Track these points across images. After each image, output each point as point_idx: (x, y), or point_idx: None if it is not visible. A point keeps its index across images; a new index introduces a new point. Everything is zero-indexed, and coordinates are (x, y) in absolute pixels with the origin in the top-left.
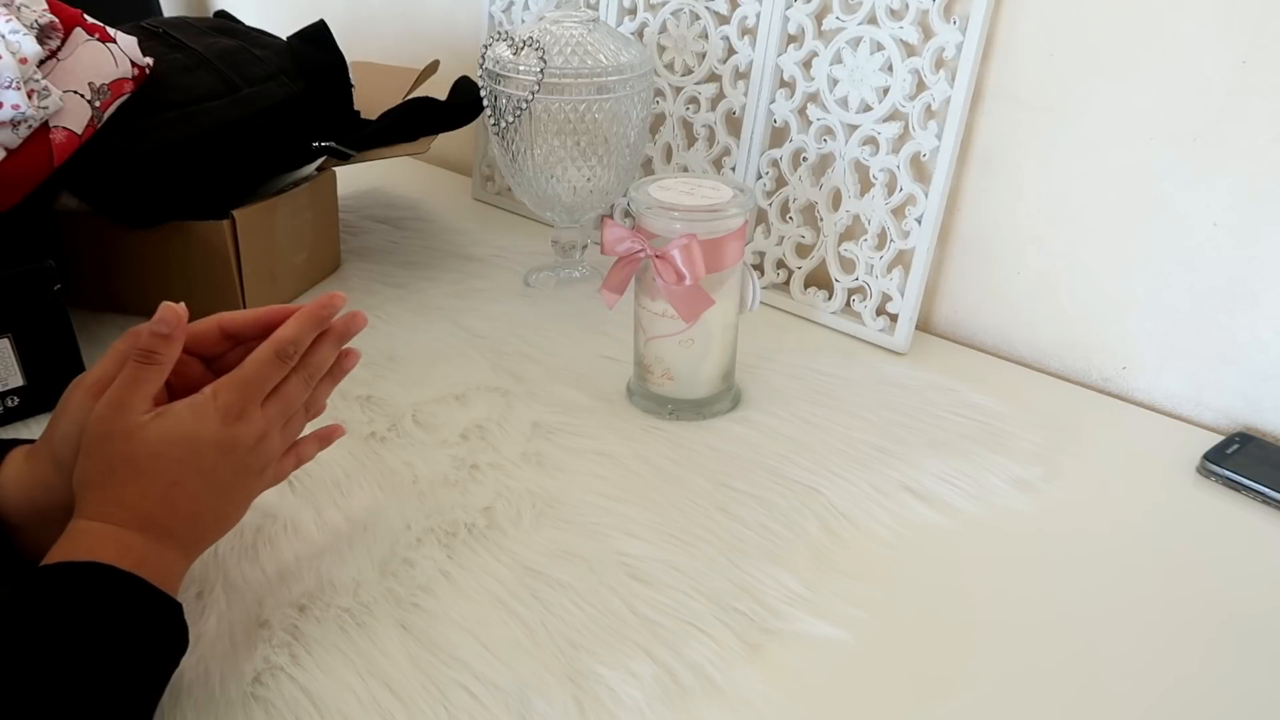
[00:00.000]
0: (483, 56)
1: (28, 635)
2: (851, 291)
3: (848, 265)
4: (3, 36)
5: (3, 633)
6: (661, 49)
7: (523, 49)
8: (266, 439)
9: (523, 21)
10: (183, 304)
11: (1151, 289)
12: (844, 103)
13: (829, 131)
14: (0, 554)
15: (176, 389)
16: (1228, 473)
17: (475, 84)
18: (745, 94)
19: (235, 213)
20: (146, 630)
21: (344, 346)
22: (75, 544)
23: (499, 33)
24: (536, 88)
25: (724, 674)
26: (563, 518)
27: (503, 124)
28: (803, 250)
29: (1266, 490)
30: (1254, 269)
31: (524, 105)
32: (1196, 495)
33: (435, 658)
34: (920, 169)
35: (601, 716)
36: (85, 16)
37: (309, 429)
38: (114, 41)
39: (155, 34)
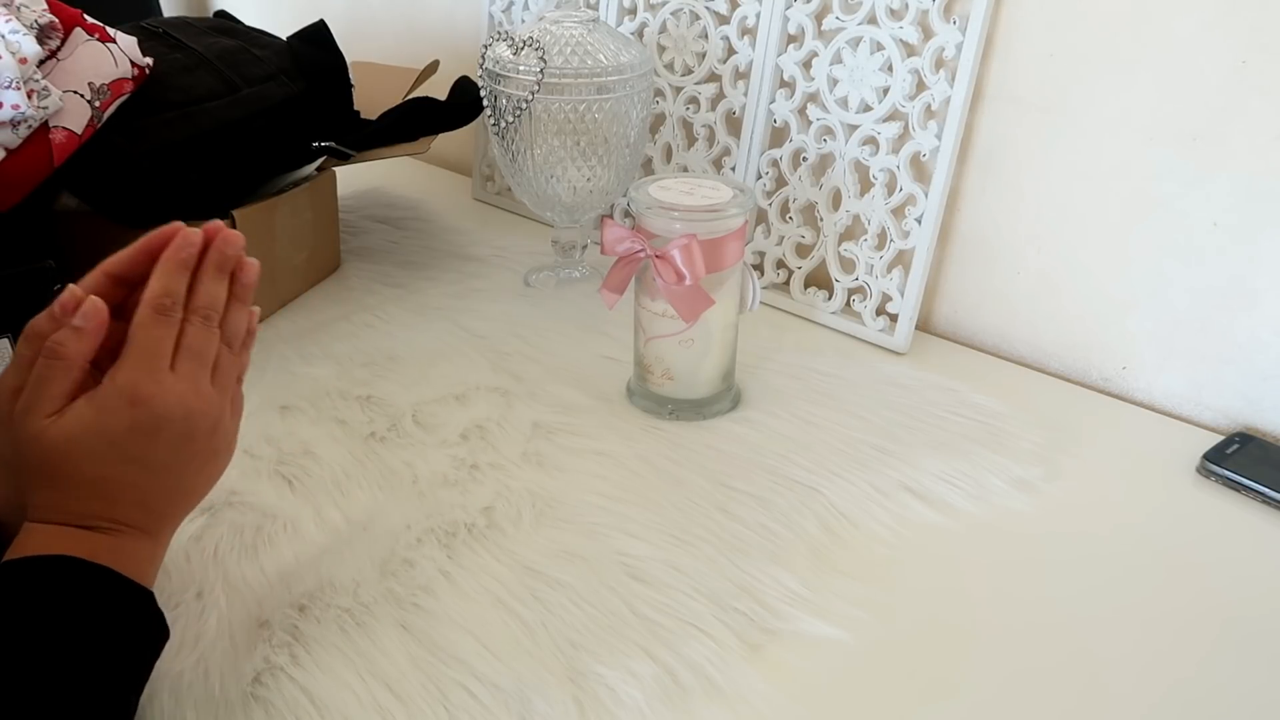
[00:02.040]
0: (483, 56)
1: None
2: (851, 291)
3: (848, 265)
4: (3, 36)
5: None
6: (661, 49)
7: (523, 49)
8: (197, 399)
9: (523, 21)
10: (97, 298)
11: (1151, 289)
12: (844, 103)
13: (829, 131)
14: None
15: (97, 359)
16: (1228, 473)
17: (475, 84)
18: (745, 94)
19: (235, 213)
20: (113, 619)
21: (239, 263)
22: (25, 545)
23: (499, 33)
24: (536, 88)
25: (724, 674)
26: (563, 518)
27: (503, 124)
28: (803, 250)
29: (1266, 490)
30: (1254, 269)
31: (524, 105)
32: (1196, 495)
33: (435, 658)
34: (920, 169)
35: (601, 716)
36: (85, 16)
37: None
38: (114, 41)
39: (155, 34)
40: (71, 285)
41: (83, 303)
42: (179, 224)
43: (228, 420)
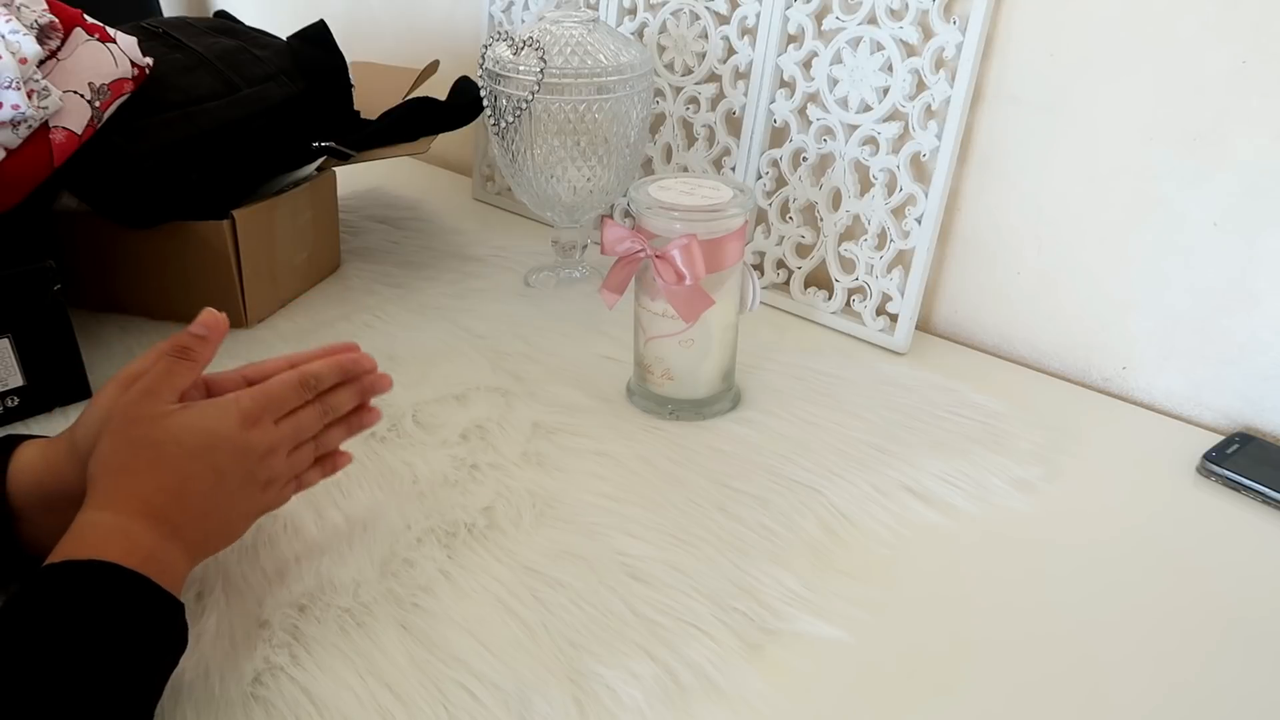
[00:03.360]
0: (483, 56)
1: (33, 634)
2: (851, 291)
3: (848, 265)
4: (3, 36)
5: (8, 631)
6: (661, 49)
7: (523, 49)
8: (274, 454)
9: (523, 21)
10: (224, 315)
11: (1151, 289)
12: (844, 103)
13: (829, 131)
14: (2, 548)
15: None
16: (1228, 473)
17: (475, 84)
18: (745, 94)
19: (235, 213)
20: (149, 630)
21: (369, 404)
22: (82, 538)
23: (499, 33)
24: (536, 88)
25: (724, 674)
26: (563, 518)
27: (503, 124)
28: (803, 250)
29: (1266, 490)
30: (1254, 269)
31: (524, 105)
32: (1196, 495)
33: (435, 658)
34: (920, 169)
35: (601, 716)
36: (85, 16)
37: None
38: (114, 41)
39: (155, 34)
40: (209, 308)
41: (204, 311)
42: (357, 344)
43: (274, 490)
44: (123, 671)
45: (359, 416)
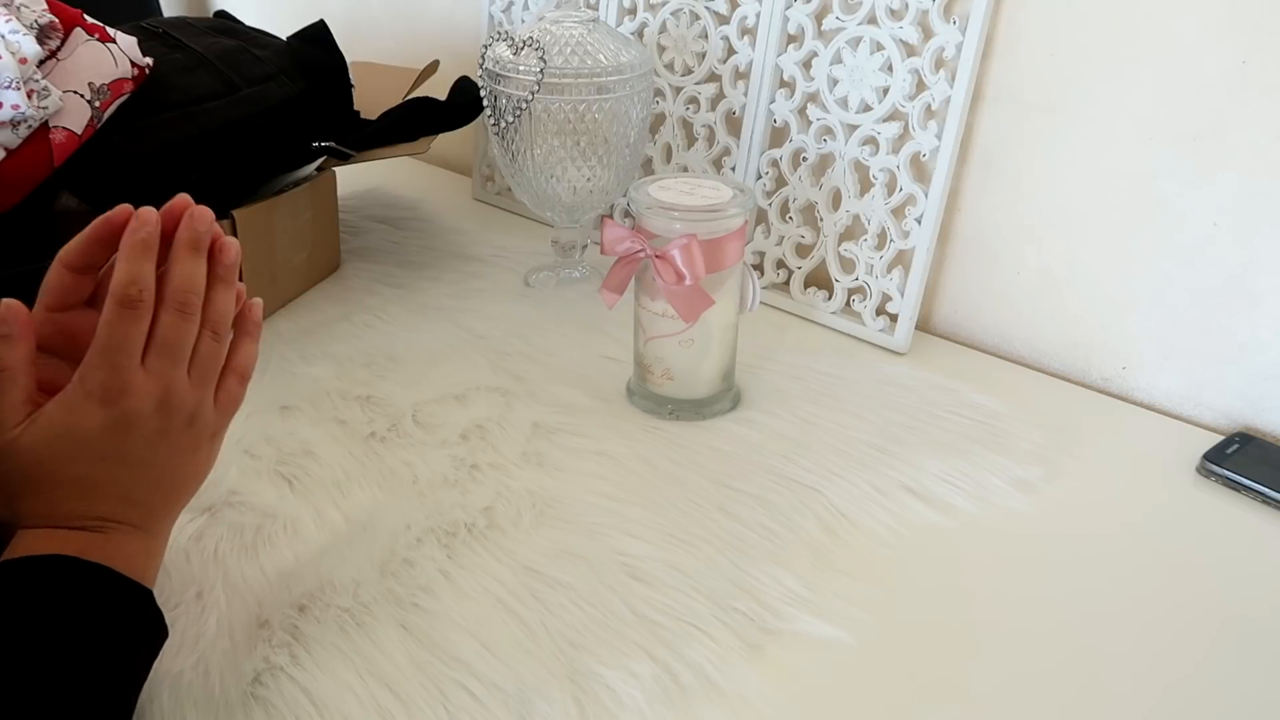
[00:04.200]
0: (483, 56)
1: None
2: (851, 291)
3: (848, 265)
4: (3, 36)
5: None
6: (661, 49)
7: (523, 49)
8: (170, 393)
9: (523, 21)
10: (11, 300)
11: (1151, 289)
12: (844, 103)
13: (829, 131)
14: None
15: (77, 354)
16: (1228, 473)
17: (475, 84)
18: (745, 94)
19: (235, 213)
20: (110, 617)
21: (219, 241)
22: (15, 550)
23: (499, 33)
24: (536, 88)
25: (724, 674)
26: (563, 518)
27: (503, 124)
28: (803, 250)
29: (1266, 490)
30: (1254, 269)
31: (524, 105)
32: (1196, 495)
33: (435, 658)
34: (920, 169)
35: (601, 716)
36: (85, 16)
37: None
38: (114, 41)
39: (155, 34)
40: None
41: (16, 310)
42: (127, 205)
43: (208, 411)
44: (84, 660)
45: (217, 259)
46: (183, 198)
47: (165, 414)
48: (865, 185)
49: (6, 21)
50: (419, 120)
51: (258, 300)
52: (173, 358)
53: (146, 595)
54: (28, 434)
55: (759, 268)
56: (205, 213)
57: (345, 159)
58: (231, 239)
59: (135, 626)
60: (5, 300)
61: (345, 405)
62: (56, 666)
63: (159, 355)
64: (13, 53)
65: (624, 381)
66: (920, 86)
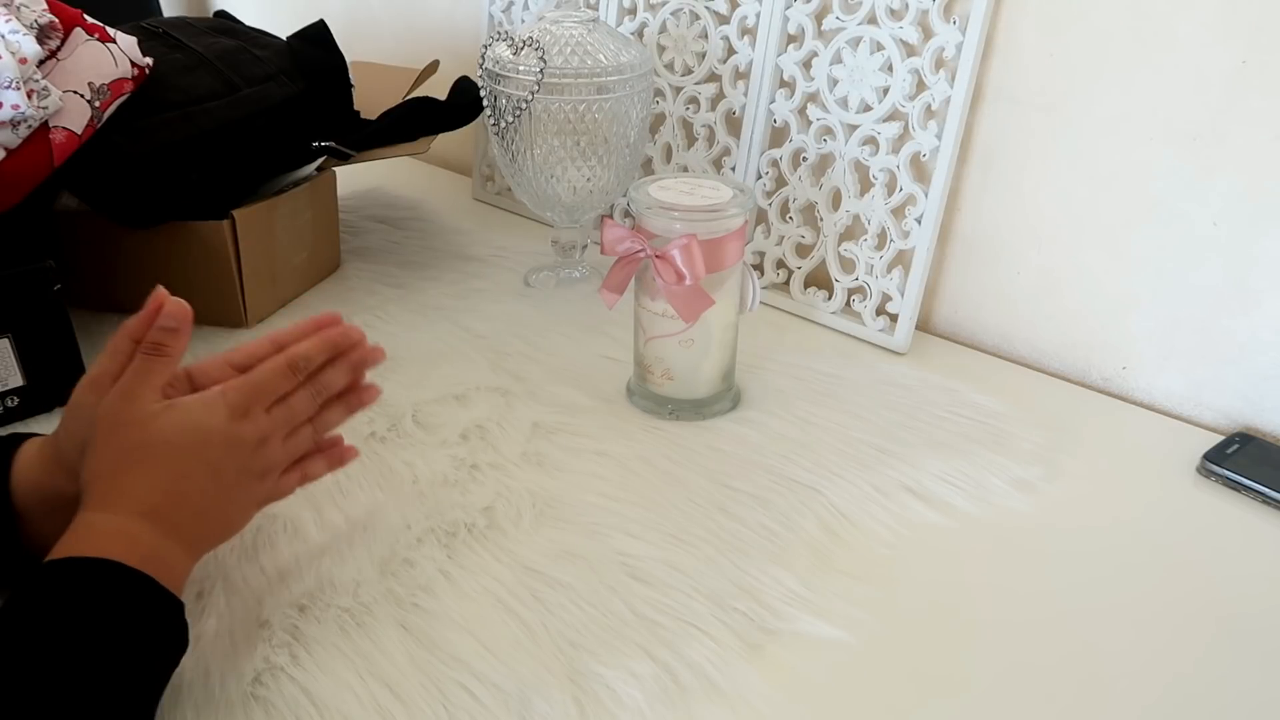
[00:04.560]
0: (483, 56)
1: (35, 632)
2: (851, 291)
3: (848, 265)
4: (3, 36)
5: (9, 628)
6: (661, 49)
7: (523, 49)
8: (268, 443)
9: (523, 21)
10: (181, 300)
11: (1151, 289)
12: (844, 103)
13: (829, 131)
14: (4, 547)
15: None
16: (1228, 473)
17: (475, 84)
18: (745, 94)
19: (235, 213)
20: (150, 628)
21: (365, 381)
22: (82, 538)
23: (499, 33)
24: (536, 88)
25: (724, 674)
26: (563, 518)
27: (503, 124)
28: (803, 250)
29: (1266, 490)
30: (1254, 269)
31: (524, 105)
32: (1196, 495)
33: (435, 658)
34: (920, 169)
35: (601, 716)
36: (85, 16)
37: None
38: (114, 41)
39: (155, 34)
40: (160, 287)
41: (165, 301)
42: (337, 315)
43: (271, 479)
44: (123, 669)
45: (356, 394)
46: (360, 331)
47: (257, 456)
48: (865, 185)
49: (6, 21)
50: (419, 120)
51: (355, 450)
52: (288, 421)
53: (180, 608)
54: (165, 415)
55: (759, 268)
56: (380, 354)
57: (345, 159)
58: (376, 387)
59: (167, 638)
60: (176, 299)
61: None
62: (97, 673)
63: (282, 412)
64: (13, 53)
65: (624, 381)
66: (920, 86)
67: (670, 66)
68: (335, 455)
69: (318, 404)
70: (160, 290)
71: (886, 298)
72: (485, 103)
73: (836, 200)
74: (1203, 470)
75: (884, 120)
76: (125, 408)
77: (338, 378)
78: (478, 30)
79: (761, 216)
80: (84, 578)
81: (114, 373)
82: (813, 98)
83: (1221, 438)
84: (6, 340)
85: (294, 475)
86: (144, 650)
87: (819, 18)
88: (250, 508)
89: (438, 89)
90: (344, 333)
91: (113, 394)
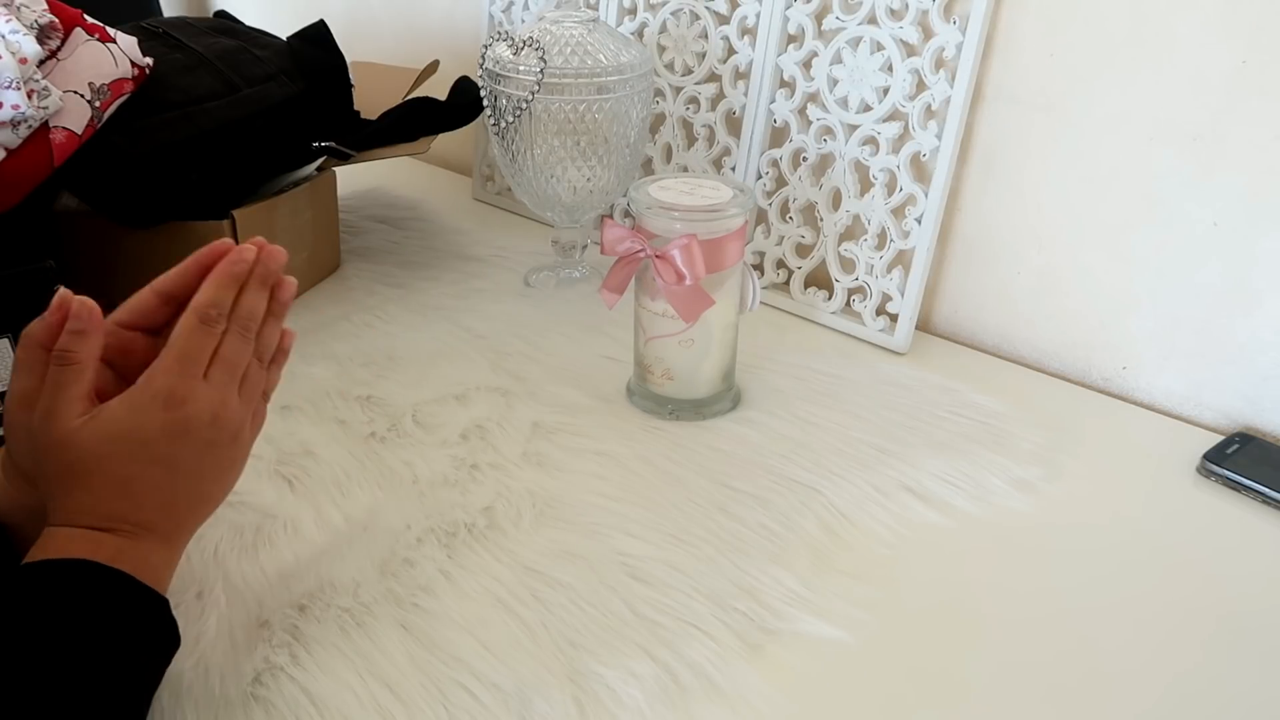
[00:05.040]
0: (483, 56)
1: (9, 634)
2: (851, 291)
3: (848, 265)
4: (3, 36)
5: None
6: (661, 49)
7: (523, 49)
8: (224, 408)
9: (523, 21)
10: (85, 298)
11: (1151, 289)
12: (844, 103)
13: (829, 131)
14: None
15: (127, 370)
16: (1228, 473)
17: (475, 84)
18: (745, 94)
19: (235, 213)
20: (130, 625)
21: (278, 282)
22: (46, 549)
23: (499, 33)
24: (536, 88)
25: (724, 674)
26: (563, 518)
27: (503, 124)
28: (803, 250)
29: (1266, 490)
30: (1254, 269)
31: (524, 105)
32: (1196, 495)
33: (435, 658)
34: (920, 169)
35: (601, 716)
36: (85, 16)
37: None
38: (114, 41)
39: (155, 34)
40: (61, 287)
41: (70, 304)
42: (229, 240)
43: (247, 432)
44: (103, 666)
45: (278, 303)
46: (260, 240)
47: (217, 427)
48: (865, 185)
49: (6, 21)
50: (419, 120)
51: (293, 330)
52: (232, 375)
53: (163, 604)
54: (89, 428)
55: (759, 268)
56: (279, 253)
57: (345, 159)
58: (291, 279)
59: (154, 635)
60: (80, 297)
61: (345, 405)
62: (76, 671)
63: (221, 370)
64: (13, 53)
65: (624, 381)
66: (920, 86)
67: (670, 66)
68: (279, 355)
69: (251, 339)
70: (62, 291)
71: (886, 298)
72: (485, 103)
73: (836, 200)
74: (1203, 470)
75: (884, 120)
76: (48, 429)
77: (257, 304)
78: (478, 30)
79: (761, 216)
80: (55, 578)
81: (35, 387)
82: (813, 98)
83: (1221, 438)
84: (6, 340)
85: (261, 410)
86: (123, 647)
87: (819, 18)
88: (227, 474)
89: (438, 89)
90: (235, 260)
91: (35, 416)
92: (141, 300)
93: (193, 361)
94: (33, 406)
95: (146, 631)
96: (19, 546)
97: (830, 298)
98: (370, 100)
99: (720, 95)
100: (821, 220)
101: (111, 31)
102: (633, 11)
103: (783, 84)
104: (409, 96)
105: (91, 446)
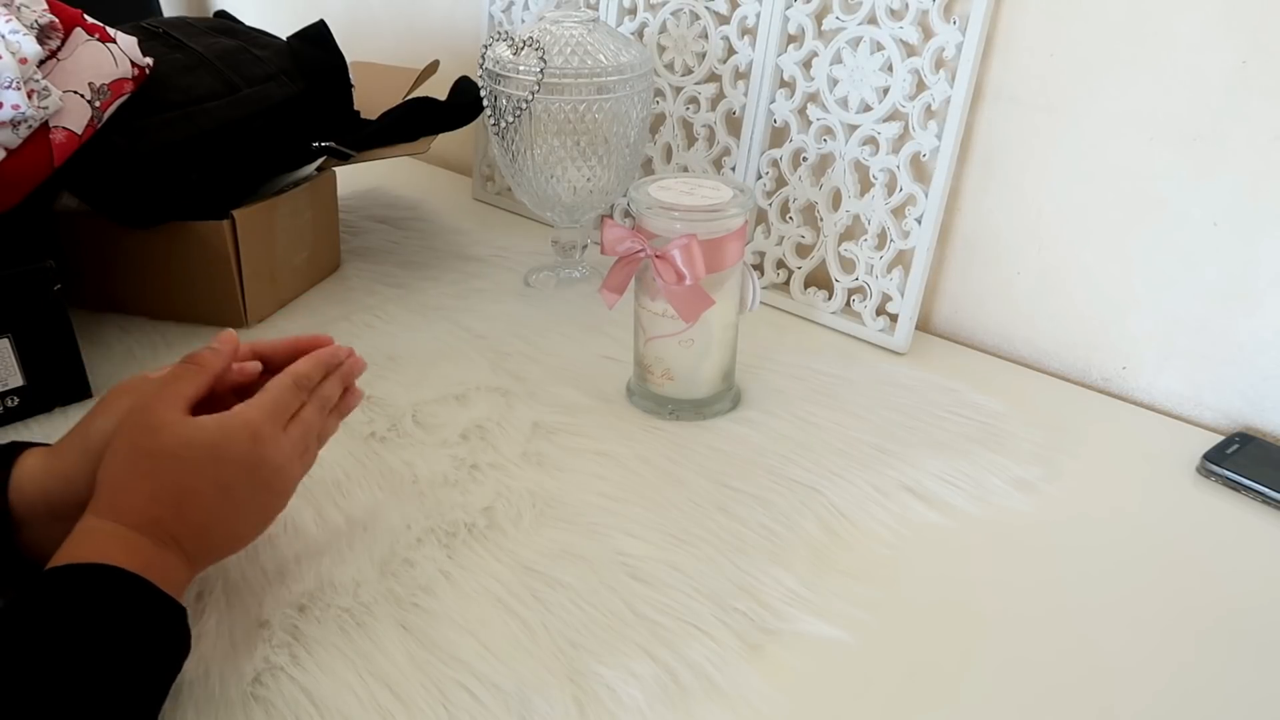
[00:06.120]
0: (483, 56)
1: (35, 637)
2: (851, 291)
3: (848, 265)
4: (3, 36)
5: (10, 634)
6: (661, 49)
7: (523, 49)
8: (291, 462)
9: (523, 21)
10: (232, 332)
11: (1151, 289)
12: (844, 103)
13: (829, 131)
14: (2, 554)
15: (200, 409)
16: (1228, 473)
17: (475, 84)
18: (745, 94)
19: (235, 213)
20: (152, 634)
21: (351, 387)
22: (83, 542)
23: (499, 33)
24: (536, 88)
25: (724, 674)
26: (563, 518)
27: (503, 124)
28: (803, 250)
29: (1266, 490)
30: (1254, 269)
31: (524, 105)
32: (1196, 495)
33: (435, 658)
34: (920, 169)
35: (601, 716)
36: (85, 16)
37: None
38: (114, 41)
39: (155, 34)
40: (231, 330)
41: (225, 333)
42: (330, 337)
43: (291, 491)
44: (123, 673)
45: (345, 400)
46: (349, 349)
47: (278, 475)
48: (865, 185)
49: (6, 21)
50: (419, 120)
51: (362, 392)
52: (305, 436)
53: (183, 614)
54: (182, 426)
55: (759, 268)
56: (362, 364)
57: (345, 159)
58: (360, 390)
59: (170, 644)
60: (227, 329)
61: None
62: (99, 676)
63: (298, 430)
64: (13, 53)
65: (624, 381)
66: (920, 86)
67: (670, 66)
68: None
69: (324, 417)
70: (230, 333)
71: (886, 298)
72: (485, 103)
73: (836, 200)
74: (1202, 470)
75: (884, 120)
76: (146, 411)
77: (335, 390)
78: (478, 30)
79: (761, 216)
80: (84, 582)
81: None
82: (813, 98)
83: (1221, 438)
84: (6, 340)
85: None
86: (143, 654)
87: (819, 18)
88: (264, 523)
89: (438, 89)
90: (334, 352)
91: (142, 397)
92: (243, 352)
93: (282, 412)
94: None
95: (162, 639)
96: (27, 548)
97: (830, 298)
98: (370, 100)
99: (720, 95)
100: (821, 220)
101: (111, 31)
102: (633, 11)
103: (783, 84)
104: (409, 96)
105: (173, 445)
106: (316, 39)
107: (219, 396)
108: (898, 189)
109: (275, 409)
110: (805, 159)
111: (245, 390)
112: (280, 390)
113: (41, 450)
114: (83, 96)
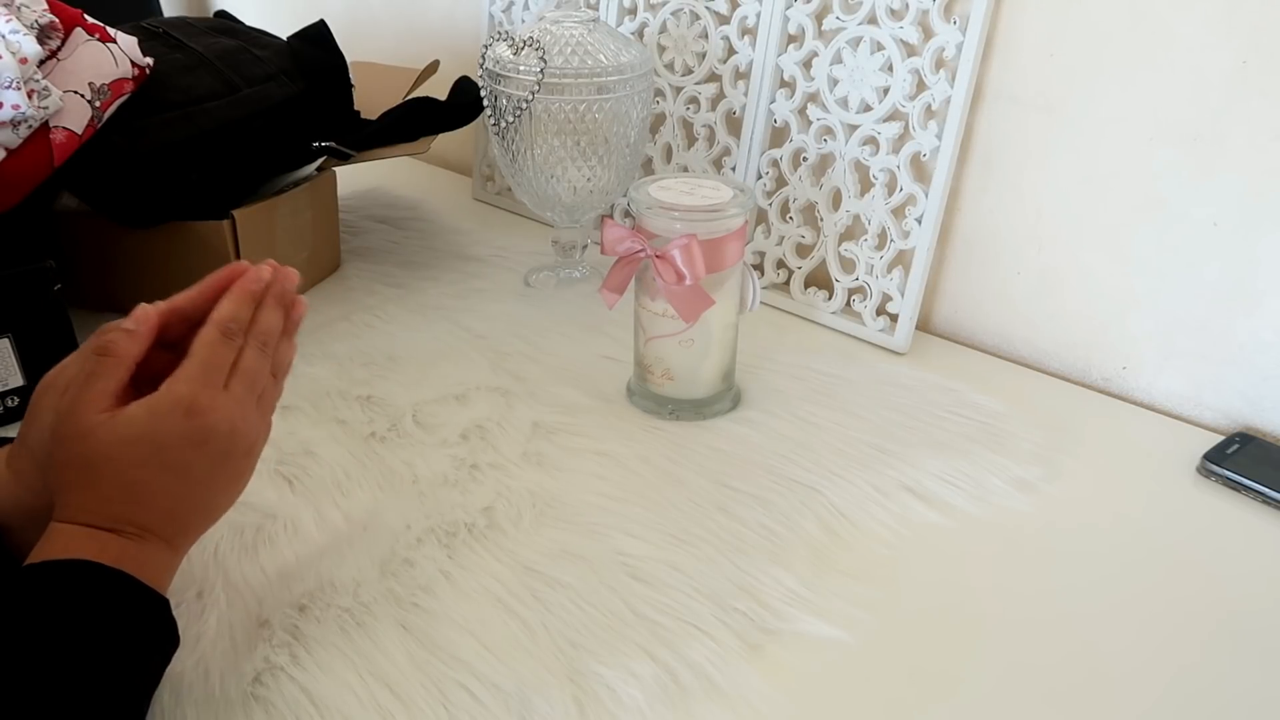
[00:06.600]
0: (483, 56)
1: (12, 634)
2: (851, 291)
3: (848, 265)
4: (3, 36)
5: None
6: (661, 49)
7: (523, 49)
8: (243, 420)
9: (523, 21)
10: (158, 303)
11: (1151, 289)
12: (844, 103)
13: (829, 131)
14: None
15: (140, 382)
16: (1228, 473)
17: (475, 84)
18: (745, 94)
19: (235, 213)
20: (131, 625)
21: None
22: (54, 543)
23: (499, 33)
24: (536, 88)
25: (724, 674)
26: (563, 518)
27: (503, 124)
28: (803, 250)
29: (1266, 490)
30: (1254, 269)
31: (524, 105)
32: (1196, 495)
33: (435, 658)
34: (920, 169)
35: (601, 716)
36: (85, 16)
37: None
38: (114, 41)
39: (155, 34)
40: (147, 305)
41: (141, 306)
42: (245, 262)
43: (260, 444)
44: (102, 665)
45: (290, 318)
46: (272, 262)
47: (234, 438)
48: (865, 185)
49: (7, 21)
50: (419, 120)
51: (295, 343)
52: (251, 388)
53: (164, 605)
54: (107, 427)
55: (759, 268)
56: (293, 274)
57: (345, 159)
58: (304, 298)
59: (154, 635)
60: (142, 304)
61: (345, 405)
62: (77, 672)
63: (240, 383)
64: (13, 53)
65: (624, 381)
66: (920, 86)
67: (670, 66)
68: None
69: (269, 354)
70: (145, 306)
71: (887, 298)
72: (485, 103)
73: (836, 200)
74: (1203, 470)
75: (884, 120)
76: (68, 419)
77: (274, 321)
78: (478, 30)
79: (761, 216)
80: (57, 578)
81: (75, 377)
82: (813, 98)
83: (1221, 438)
84: (6, 340)
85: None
86: (125, 647)
87: (819, 18)
88: (237, 488)
89: (438, 89)
90: (253, 278)
91: (62, 402)
92: (159, 314)
93: (215, 371)
94: (65, 392)
95: (147, 631)
96: (17, 550)
97: (830, 298)
98: (370, 100)
99: (720, 95)
100: (821, 220)
101: (111, 31)
102: (633, 11)
103: (783, 84)
104: (409, 96)
105: (106, 447)
106: (316, 39)
107: (157, 360)
108: (898, 189)
109: (206, 371)
110: (805, 159)
111: (186, 344)
112: (207, 347)
113: (4, 453)
114: (83, 96)
